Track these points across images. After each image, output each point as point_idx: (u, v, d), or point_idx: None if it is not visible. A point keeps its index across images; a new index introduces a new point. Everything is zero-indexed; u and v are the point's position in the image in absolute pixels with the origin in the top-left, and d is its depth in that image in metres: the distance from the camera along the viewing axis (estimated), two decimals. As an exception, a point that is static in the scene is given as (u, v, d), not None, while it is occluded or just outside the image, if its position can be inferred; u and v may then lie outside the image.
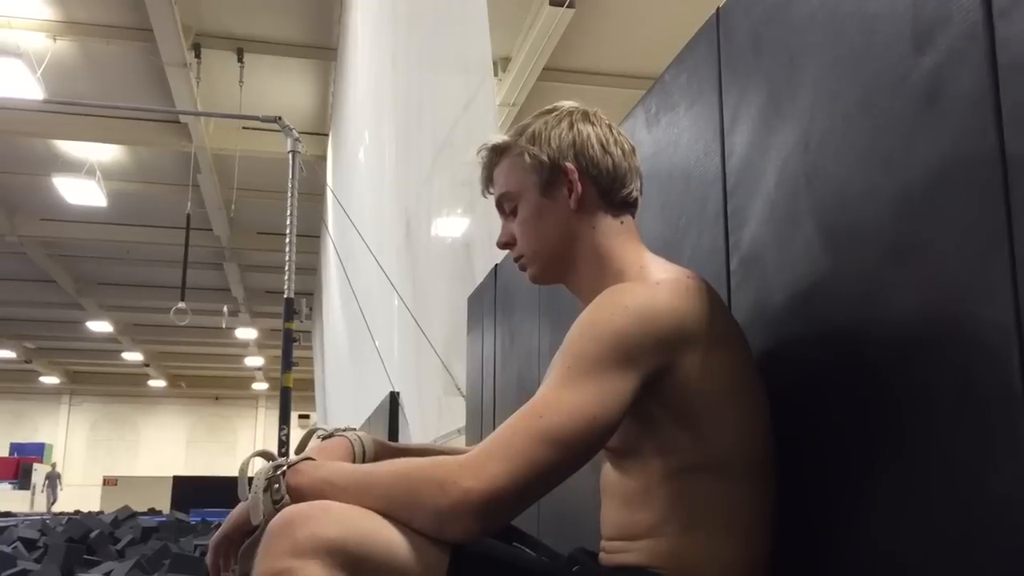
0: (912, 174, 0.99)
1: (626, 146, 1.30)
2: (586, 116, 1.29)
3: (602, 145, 1.26)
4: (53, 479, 24.04)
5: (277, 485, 1.07)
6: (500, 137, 1.32)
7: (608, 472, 1.23)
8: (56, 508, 22.08)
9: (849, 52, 1.12)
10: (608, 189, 1.27)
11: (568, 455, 1.03)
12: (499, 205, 1.34)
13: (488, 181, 1.34)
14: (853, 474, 1.08)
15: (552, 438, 1.02)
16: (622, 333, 1.07)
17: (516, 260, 1.34)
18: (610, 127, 1.30)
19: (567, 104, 1.32)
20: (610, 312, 1.09)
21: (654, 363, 1.08)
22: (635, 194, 1.30)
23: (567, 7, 8.05)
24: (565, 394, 1.04)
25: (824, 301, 1.16)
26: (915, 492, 0.97)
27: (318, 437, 1.33)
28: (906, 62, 1.00)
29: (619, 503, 1.18)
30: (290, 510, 1.02)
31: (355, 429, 1.36)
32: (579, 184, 1.25)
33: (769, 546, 1.15)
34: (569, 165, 1.25)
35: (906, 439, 0.98)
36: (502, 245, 1.35)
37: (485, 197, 1.37)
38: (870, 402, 1.05)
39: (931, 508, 0.94)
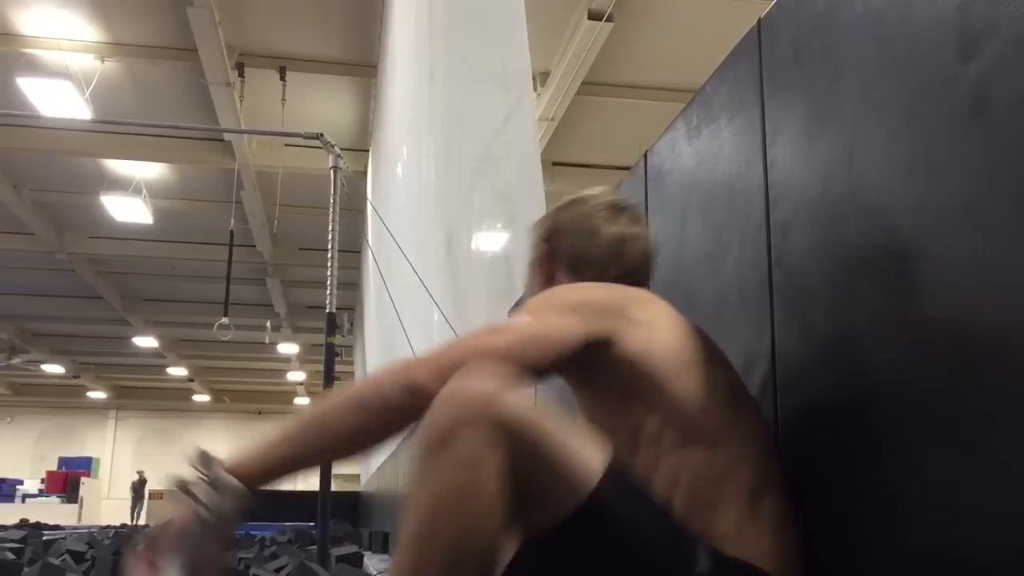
0: (960, 183, 0.98)
1: (604, 234, 1.46)
2: (571, 204, 1.54)
3: (571, 236, 1.50)
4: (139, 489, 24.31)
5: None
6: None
7: None
8: (104, 522, 22.36)
9: (894, 61, 1.11)
10: (573, 270, 1.47)
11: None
12: None
13: None
14: (907, 484, 1.07)
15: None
16: (569, 299, 1.27)
17: None
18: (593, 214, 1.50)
19: (567, 197, 1.55)
20: (558, 290, 1.34)
21: (595, 324, 1.21)
22: (611, 271, 1.43)
23: (606, 20, 8.06)
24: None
25: (869, 311, 1.15)
26: (987, 501, 0.95)
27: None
28: (952, 70, 0.99)
29: None
30: (476, 380, 1.05)
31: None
32: (547, 264, 1.52)
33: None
34: (543, 248, 1.54)
35: (954, 448, 0.96)
36: None
37: None
38: (921, 412, 1.03)
39: (995, 516, 0.92)
